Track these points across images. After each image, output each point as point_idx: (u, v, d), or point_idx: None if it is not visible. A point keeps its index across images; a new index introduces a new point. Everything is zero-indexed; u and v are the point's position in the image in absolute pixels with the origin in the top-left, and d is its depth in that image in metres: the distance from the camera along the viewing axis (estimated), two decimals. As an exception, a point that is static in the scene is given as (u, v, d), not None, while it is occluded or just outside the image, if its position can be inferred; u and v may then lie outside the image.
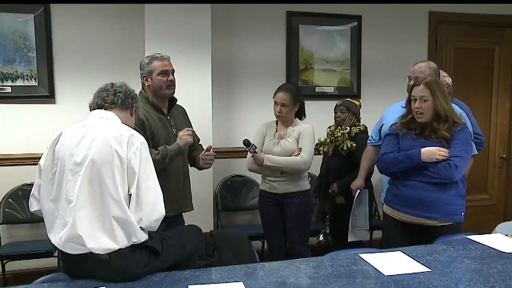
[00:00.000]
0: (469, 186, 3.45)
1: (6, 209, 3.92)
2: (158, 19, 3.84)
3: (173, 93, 2.97)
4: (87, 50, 4.08)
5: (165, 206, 2.17)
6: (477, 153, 3.27)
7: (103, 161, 2.01)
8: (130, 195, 2.06)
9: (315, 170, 4.19)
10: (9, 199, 3.93)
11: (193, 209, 3.15)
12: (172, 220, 2.91)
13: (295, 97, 3.38)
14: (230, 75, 4.48)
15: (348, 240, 3.62)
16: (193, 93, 3.90)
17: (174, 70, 2.96)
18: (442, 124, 2.75)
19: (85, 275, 2.06)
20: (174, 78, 2.95)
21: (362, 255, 2.34)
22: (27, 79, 3.98)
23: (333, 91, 4.70)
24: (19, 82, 3.96)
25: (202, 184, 3.97)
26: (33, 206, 2.24)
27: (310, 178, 4.45)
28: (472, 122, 3.40)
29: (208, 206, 4.13)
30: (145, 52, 3.77)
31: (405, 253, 2.37)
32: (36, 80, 3.99)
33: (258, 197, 3.63)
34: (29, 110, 4.00)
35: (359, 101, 3.96)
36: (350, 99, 3.94)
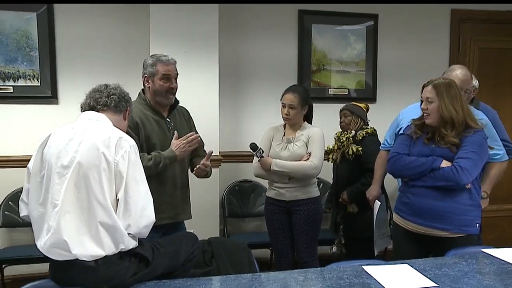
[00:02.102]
0: (494, 195, 3.28)
1: (6, 212, 3.85)
2: (163, 18, 3.74)
3: (172, 102, 2.82)
4: (90, 50, 3.99)
5: (159, 213, 2.11)
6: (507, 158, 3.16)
7: (90, 164, 1.96)
8: (118, 200, 1.99)
9: (328, 176, 4.01)
10: (9, 202, 3.85)
11: (190, 218, 3.01)
12: (170, 228, 2.80)
13: (304, 99, 3.23)
14: (238, 76, 4.34)
15: (375, 254, 3.46)
16: (200, 95, 3.80)
17: (177, 75, 2.82)
18: (450, 130, 2.62)
19: (72, 283, 2.00)
20: (177, 84, 2.81)
21: (366, 267, 2.21)
22: (29, 79, 3.90)
23: (347, 93, 4.52)
24: (21, 82, 3.88)
25: (208, 189, 3.87)
26: (23, 211, 2.19)
27: (322, 184, 4.33)
28: (498, 128, 3.24)
29: (215, 212, 4.01)
30: (150, 51, 3.66)
31: (412, 266, 2.23)
32: (39, 80, 3.91)
33: (265, 205, 3.47)
34: (31, 111, 3.92)
35: (365, 104, 3.76)
36: (354, 103, 3.75)
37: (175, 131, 2.81)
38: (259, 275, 2.21)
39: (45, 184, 2.01)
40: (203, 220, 3.86)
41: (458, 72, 3.06)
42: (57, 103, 3.94)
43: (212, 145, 3.78)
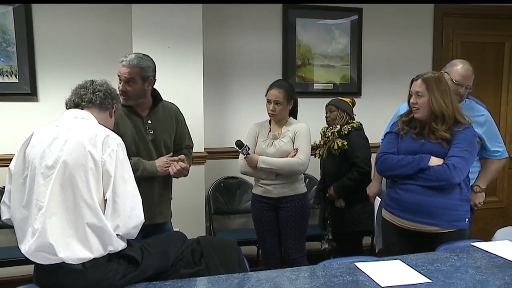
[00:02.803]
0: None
1: (-15, 214, 3.71)
2: (146, 12, 3.65)
3: (129, 104, 2.70)
4: (71, 45, 3.88)
5: None
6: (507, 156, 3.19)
7: (76, 163, 1.90)
8: (106, 200, 1.93)
9: (315, 172, 3.99)
10: (-12, 203, 3.72)
11: (169, 220, 2.97)
12: (151, 229, 2.71)
13: (289, 94, 3.19)
14: (223, 71, 4.27)
15: (376, 251, 3.45)
16: (184, 90, 3.74)
17: (130, 78, 2.63)
18: (441, 124, 2.60)
19: (58, 287, 1.93)
20: (128, 88, 2.65)
21: (358, 264, 2.20)
22: (6, 75, 3.77)
23: (332, 88, 4.49)
24: (-3, 79, 3.76)
25: (193, 186, 3.83)
26: (4, 214, 2.11)
27: (308, 180, 4.31)
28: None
29: (200, 209, 3.95)
30: (132, 47, 3.60)
31: (404, 262, 2.22)
32: (17, 76, 3.79)
33: (251, 202, 3.44)
34: (9, 109, 3.80)
35: (351, 99, 3.74)
36: (340, 97, 3.72)
37: (152, 131, 2.76)
38: (251, 275, 2.17)
39: (28, 186, 1.95)
40: (189, 217, 3.81)
41: (459, 67, 3.04)
42: (36, 100, 3.83)
43: (197, 142, 3.74)
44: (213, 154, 4.08)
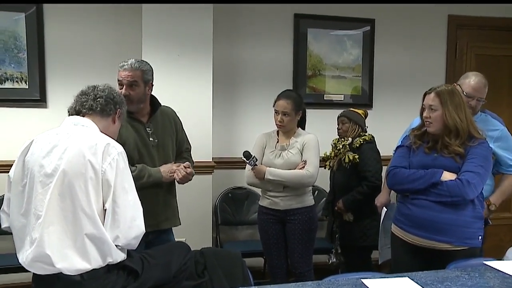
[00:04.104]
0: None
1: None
2: (156, 20, 3.64)
3: (132, 109, 2.66)
4: (81, 52, 3.89)
5: None
6: None
7: (76, 172, 1.87)
8: (106, 210, 1.89)
9: (324, 184, 3.93)
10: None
11: (176, 225, 2.96)
12: (155, 237, 2.73)
13: (297, 105, 3.15)
14: (232, 80, 4.25)
15: (379, 263, 3.39)
16: (193, 99, 3.72)
17: (132, 81, 2.63)
18: (454, 139, 2.54)
19: None
20: (131, 92, 2.64)
21: (365, 281, 2.12)
22: (17, 81, 3.78)
23: (343, 99, 4.44)
24: (8, 85, 3.77)
25: (200, 196, 3.80)
26: (4, 222, 2.09)
27: (317, 192, 4.25)
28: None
29: (207, 220, 3.90)
30: (142, 54, 3.58)
31: (413, 280, 2.14)
32: (27, 82, 3.80)
33: (258, 214, 3.38)
34: (18, 115, 3.80)
35: (364, 110, 3.68)
36: (352, 109, 3.66)
37: (154, 136, 2.76)
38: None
39: (27, 194, 1.93)
40: (195, 228, 3.77)
41: (471, 80, 3.00)
42: (45, 106, 3.83)
43: (205, 151, 3.73)
44: (221, 163, 4.03)
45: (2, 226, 2.09)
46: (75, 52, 3.87)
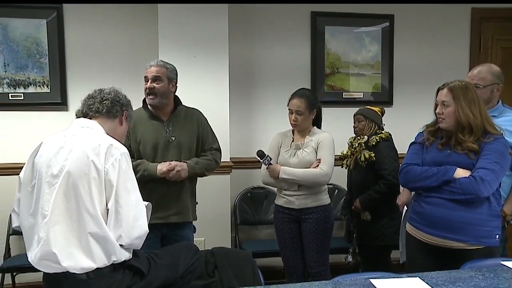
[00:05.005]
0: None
1: (16, 220, 3.82)
2: (172, 21, 3.70)
3: (156, 103, 2.86)
4: (99, 56, 3.98)
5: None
6: None
7: (80, 173, 1.91)
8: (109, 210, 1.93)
9: (343, 182, 3.89)
10: (19, 209, 3.82)
11: (186, 221, 2.98)
12: (169, 230, 2.88)
13: (311, 103, 3.13)
14: (249, 80, 4.26)
15: (400, 262, 3.29)
16: (210, 100, 3.75)
17: (157, 76, 2.84)
18: (468, 136, 2.46)
19: None
20: (155, 85, 2.84)
21: (374, 281, 2.07)
22: (39, 85, 3.90)
23: (362, 97, 4.39)
24: (31, 89, 3.89)
25: (218, 196, 3.83)
26: (14, 222, 2.15)
27: (337, 191, 4.21)
28: None
29: (226, 219, 3.94)
30: (158, 56, 3.63)
31: (423, 280, 2.08)
32: (49, 86, 3.91)
33: (274, 213, 3.38)
34: (41, 118, 3.92)
35: (381, 108, 3.62)
36: (369, 107, 3.61)
37: (173, 135, 2.87)
38: (261, 288, 2.10)
39: (35, 194, 1.98)
40: (214, 227, 3.81)
41: (474, 70, 2.91)
42: (66, 109, 3.92)
43: (223, 151, 3.71)
44: (239, 163, 4.05)
45: (13, 226, 2.17)
46: (93, 55, 3.96)
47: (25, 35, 3.84)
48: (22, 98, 3.87)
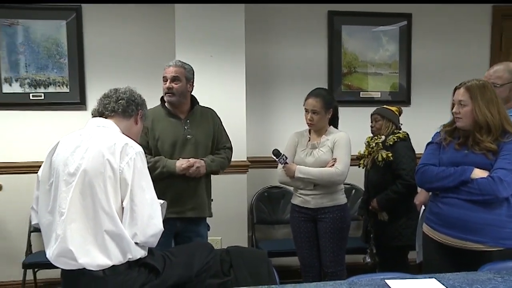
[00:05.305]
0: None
1: (36, 217, 3.89)
2: (189, 21, 3.72)
3: (174, 101, 2.94)
4: (117, 55, 4.03)
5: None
6: None
7: (95, 171, 1.94)
8: (124, 208, 1.96)
9: (361, 182, 3.87)
10: (40, 207, 3.89)
11: (201, 216, 3.03)
12: (183, 226, 2.92)
13: (327, 103, 3.12)
14: (266, 80, 4.26)
15: (417, 262, 3.31)
16: (226, 99, 3.77)
17: (176, 77, 2.91)
18: (486, 136, 2.42)
19: None
20: (174, 85, 2.91)
21: (389, 281, 2.04)
22: (59, 85, 3.97)
23: (380, 96, 4.36)
24: (51, 89, 3.96)
25: (235, 195, 3.85)
26: (33, 219, 2.19)
27: (354, 190, 4.19)
28: None
29: (242, 219, 3.95)
30: (175, 56, 3.66)
31: (440, 281, 2.04)
32: (68, 86, 3.98)
33: (290, 212, 3.37)
34: (60, 117, 3.98)
35: (398, 107, 3.59)
36: (386, 106, 3.58)
37: (191, 132, 2.94)
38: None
39: (53, 192, 2.01)
40: (231, 227, 3.82)
41: (491, 69, 2.87)
42: (85, 109, 3.97)
43: (239, 151, 3.76)
44: (255, 163, 4.04)
45: (32, 223, 2.21)
46: (111, 55, 4.01)
47: (46, 36, 3.91)
48: (43, 98, 3.95)
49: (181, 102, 2.95)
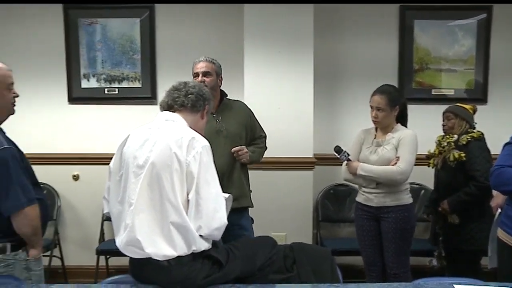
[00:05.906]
0: None
1: (108, 206, 4.08)
2: (257, 19, 3.74)
3: None
4: (187, 51, 4.08)
5: None
6: None
7: (163, 164, 1.97)
8: (189, 201, 1.98)
9: (430, 183, 3.72)
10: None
11: (239, 207, 2.92)
12: (230, 214, 2.84)
13: (393, 100, 3.03)
14: (334, 76, 4.20)
15: (488, 267, 3.12)
16: (293, 95, 3.76)
17: (207, 72, 2.97)
18: None
19: (147, 280, 2.06)
20: (208, 80, 2.95)
21: (458, 287, 1.96)
22: (131, 80, 4.14)
23: (453, 93, 4.15)
24: (125, 84, 4.15)
25: (300, 192, 3.82)
26: (105, 209, 2.26)
27: (423, 191, 4.03)
28: None
29: (307, 216, 3.91)
30: (244, 52, 3.70)
31: (516, 292, 1.93)
32: (140, 81, 4.13)
33: (354, 210, 3.33)
34: (133, 111, 4.15)
35: (472, 105, 3.40)
36: (459, 104, 3.40)
37: (223, 125, 2.97)
38: (337, 286, 2.09)
39: (123, 183, 2.06)
40: (295, 223, 3.81)
41: None
42: (156, 103, 4.07)
43: (306, 147, 3.75)
44: (322, 160, 3.99)
45: (104, 212, 2.28)
46: (181, 51, 4.10)
47: (121, 34, 4.10)
48: (117, 92, 4.14)
49: (213, 96, 2.92)
